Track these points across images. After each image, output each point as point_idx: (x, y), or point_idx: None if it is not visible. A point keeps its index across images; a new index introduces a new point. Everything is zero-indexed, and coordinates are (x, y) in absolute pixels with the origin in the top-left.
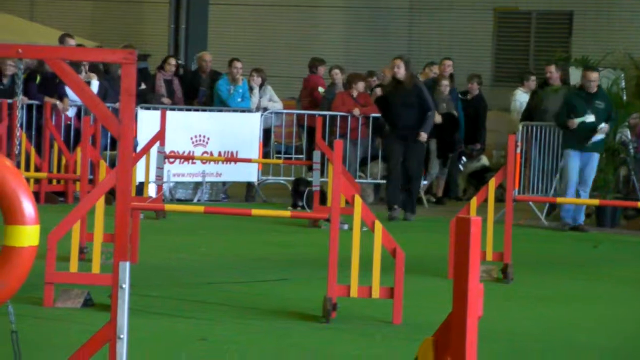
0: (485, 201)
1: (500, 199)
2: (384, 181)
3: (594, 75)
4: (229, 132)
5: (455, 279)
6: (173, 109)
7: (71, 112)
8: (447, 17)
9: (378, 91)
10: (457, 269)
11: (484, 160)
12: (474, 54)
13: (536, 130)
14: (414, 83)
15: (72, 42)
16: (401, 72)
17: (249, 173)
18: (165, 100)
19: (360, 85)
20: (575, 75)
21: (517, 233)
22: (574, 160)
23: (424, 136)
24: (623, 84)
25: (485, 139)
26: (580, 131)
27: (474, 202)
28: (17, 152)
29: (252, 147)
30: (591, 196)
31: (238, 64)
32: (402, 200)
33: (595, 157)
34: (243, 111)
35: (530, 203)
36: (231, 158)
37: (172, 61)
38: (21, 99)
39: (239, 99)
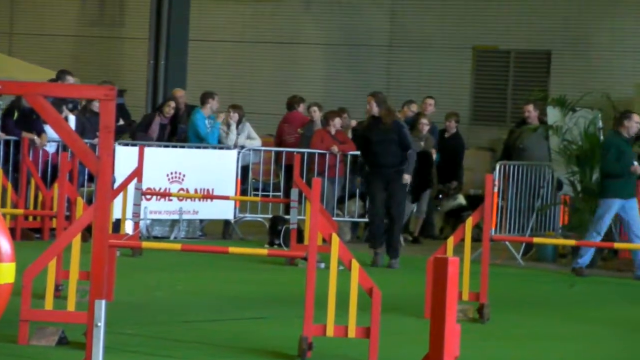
0: (462, 240)
1: (477, 238)
2: (361, 219)
3: (638, 117)
4: (205, 169)
5: (432, 319)
6: (151, 146)
7: (51, 148)
8: (426, 55)
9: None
10: (434, 309)
11: (461, 199)
12: (453, 92)
13: (513, 169)
14: (394, 120)
15: (71, 79)
16: (374, 109)
17: (226, 210)
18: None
19: (337, 122)
20: (552, 115)
21: (494, 273)
22: (614, 209)
23: (406, 178)
24: (600, 124)
25: (462, 177)
26: (630, 178)
27: (450, 241)
28: None
29: (228, 185)
30: (567, 237)
31: (216, 97)
32: (384, 243)
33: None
34: (221, 148)
35: (507, 243)
36: (208, 195)
37: (172, 104)
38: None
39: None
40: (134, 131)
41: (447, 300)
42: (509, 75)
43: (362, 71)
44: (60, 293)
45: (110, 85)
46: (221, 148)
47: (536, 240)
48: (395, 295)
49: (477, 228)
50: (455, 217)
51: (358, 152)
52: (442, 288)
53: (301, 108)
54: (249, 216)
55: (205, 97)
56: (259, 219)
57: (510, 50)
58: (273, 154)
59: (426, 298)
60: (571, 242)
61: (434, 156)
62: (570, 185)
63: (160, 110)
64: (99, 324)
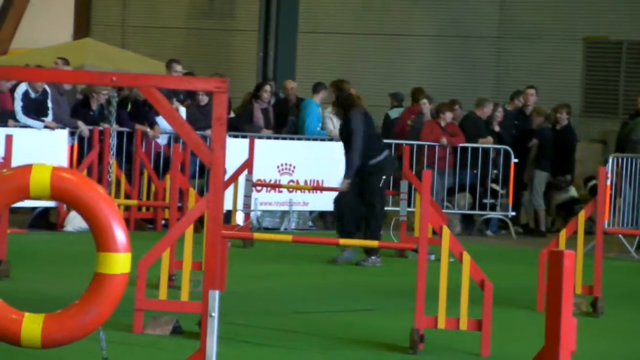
0: (575, 233)
1: (589, 231)
2: (471, 212)
3: None
4: (315, 160)
5: (548, 313)
6: (261, 137)
7: (162, 140)
8: (536, 46)
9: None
10: (549, 303)
11: (573, 191)
12: (563, 83)
13: (626, 161)
14: (345, 112)
15: (178, 67)
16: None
17: None
18: (266, 131)
19: (448, 115)
20: None
21: (607, 266)
22: None
23: (343, 185)
24: None
25: (574, 170)
26: None
27: (563, 234)
28: (108, 179)
29: (338, 176)
30: None
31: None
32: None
33: None
34: (331, 140)
35: (620, 236)
36: (318, 187)
37: (268, 87)
38: (114, 127)
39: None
40: (239, 125)
41: (563, 294)
42: (620, 66)
43: (471, 62)
44: (173, 283)
45: (222, 77)
46: (331, 140)
47: None
48: (506, 288)
49: (590, 221)
50: (566, 210)
51: (468, 145)
52: (558, 282)
53: (423, 100)
54: None
55: (318, 87)
56: None
57: (622, 41)
58: None
59: (538, 291)
60: None
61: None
62: None
63: (258, 96)
64: (213, 314)
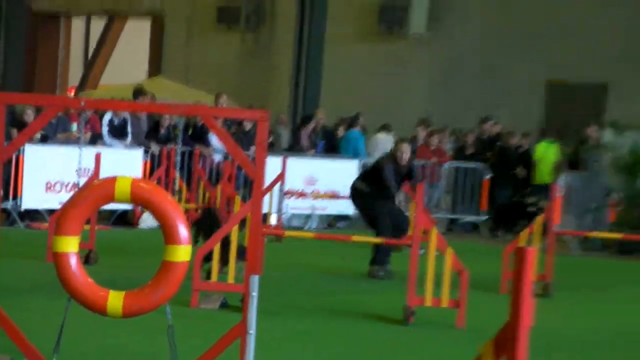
0: (532, 234)
1: (543, 232)
2: (452, 216)
3: None
4: (332, 174)
5: (513, 294)
6: (294, 156)
7: (218, 158)
8: None
9: None
10: (514, 287)
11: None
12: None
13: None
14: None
15: (221, 99)
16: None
17: (350, 206)
18: (311, 152)
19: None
20: None
21: (557, 260)
22: None
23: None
24: None
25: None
26: None
27: (525, 234)
28: (174, 188)
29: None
30: None
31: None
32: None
33: None
34: (350, 159)
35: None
36: (334, 195)
37: (321, 114)
38: (180, 147)
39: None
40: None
41: (524, 280)
42: None
43: None
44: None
45: (263, 109)
46: (350, 159)
47: None
48: (477, 276)
49: (545, 224)
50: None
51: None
52: (522, 271)
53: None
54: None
55: (355, 120)
56: None
57: None
58: None
59: (502, 278)
60: None
61: None
62: None
63: (305, 125)
64: (254, 294)
